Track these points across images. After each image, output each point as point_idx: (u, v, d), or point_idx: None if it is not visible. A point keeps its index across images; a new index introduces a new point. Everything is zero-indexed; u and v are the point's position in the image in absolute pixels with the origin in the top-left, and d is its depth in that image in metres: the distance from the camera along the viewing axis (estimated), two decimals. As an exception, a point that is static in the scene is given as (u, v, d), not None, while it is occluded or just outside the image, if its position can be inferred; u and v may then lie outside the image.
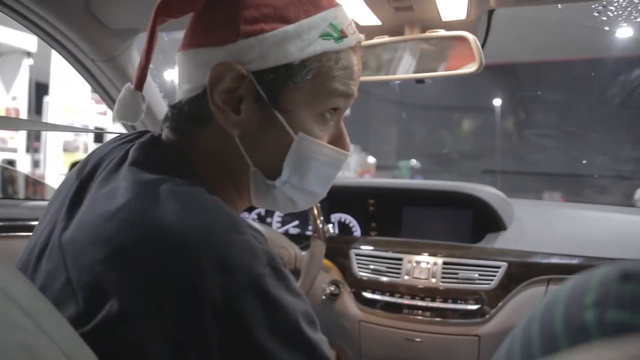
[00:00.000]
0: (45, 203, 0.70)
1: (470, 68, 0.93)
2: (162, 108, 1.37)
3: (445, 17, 0.97)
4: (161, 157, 0.60)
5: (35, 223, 0.68)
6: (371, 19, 1.00)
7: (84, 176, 0.63)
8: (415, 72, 1.03)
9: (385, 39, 1.02)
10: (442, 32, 0.96)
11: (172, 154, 0.61)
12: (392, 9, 0.94)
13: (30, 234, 0.67)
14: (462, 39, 0.93)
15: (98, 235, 0.52)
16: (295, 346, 0.50)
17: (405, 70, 1.02)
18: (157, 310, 0.48)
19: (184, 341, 0.47)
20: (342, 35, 0.61)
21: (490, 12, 1.04)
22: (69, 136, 6.48)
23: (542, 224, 1.48)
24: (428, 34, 0.97)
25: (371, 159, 8.07)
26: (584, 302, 0.24)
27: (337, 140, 0.66)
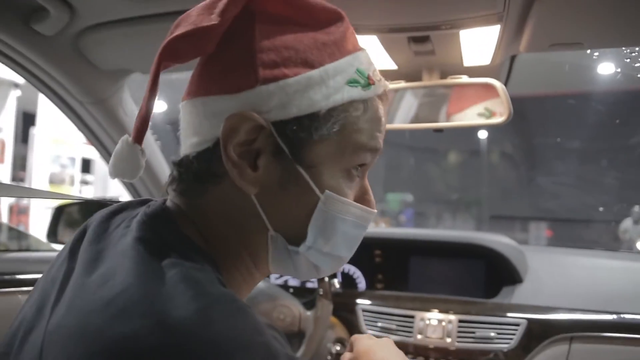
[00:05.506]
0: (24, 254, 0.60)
1: (499, 118, 0.84)
2: (160, 163, 1.30)
3: (468, 62, 0.90)
4: (169, 233, 0.51)
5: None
6: (387, 63, 0.92)
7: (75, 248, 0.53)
8: (434, 120, 0.95)
9: (402, 84, 0.94)
10: (465, 79, 0.88)
11: (181, 229, 0.52)
12: (412, 53, 0.86)
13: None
14: (489, 86, 0.85)
15: (88, 324, 0.42)
16: None
17: (423, 117, 0.94)
18: None
19: None
20: (370, 82, 0.54)
21: (513, 56, 0.97)
22: (56, 167, 6.34)
23: (560, 275, 1.40)
24: (450, 80, 0.89)
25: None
26: None
27: (361, 198, 0.58)
